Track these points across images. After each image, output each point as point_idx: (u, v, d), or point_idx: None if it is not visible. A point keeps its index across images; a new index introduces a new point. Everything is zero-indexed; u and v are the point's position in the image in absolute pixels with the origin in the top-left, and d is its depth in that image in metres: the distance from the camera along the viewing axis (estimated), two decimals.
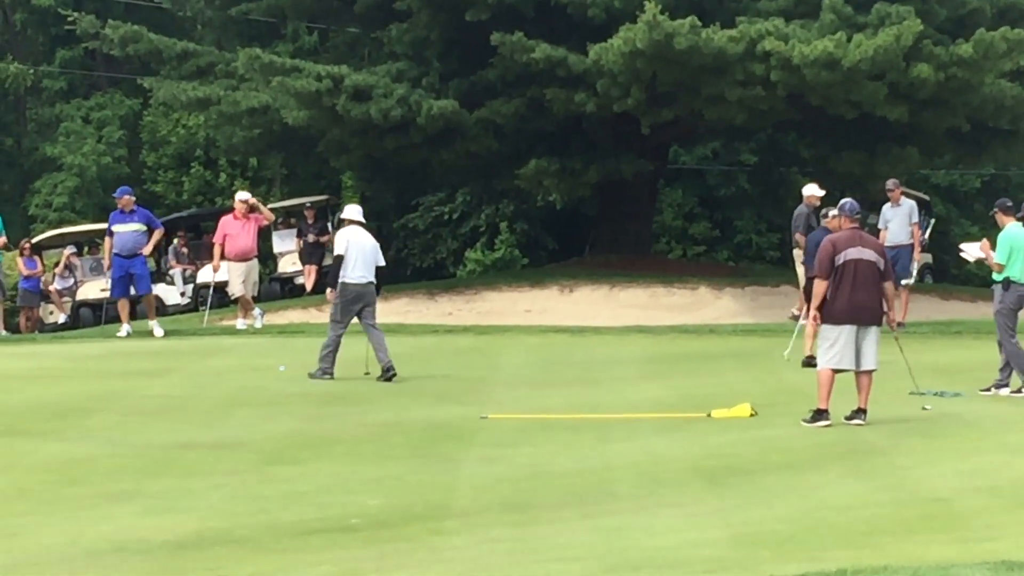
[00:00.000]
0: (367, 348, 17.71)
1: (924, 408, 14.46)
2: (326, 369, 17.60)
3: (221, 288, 26.06)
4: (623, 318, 26.57)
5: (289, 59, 31.11)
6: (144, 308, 24.50)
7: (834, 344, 13.66)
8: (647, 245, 35.60)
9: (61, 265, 33.97)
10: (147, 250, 23.33)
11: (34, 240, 33.22)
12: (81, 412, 15.34)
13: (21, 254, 31.21)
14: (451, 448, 13.12)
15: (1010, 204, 16.33)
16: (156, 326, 23.42)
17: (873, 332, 13.71)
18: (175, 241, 34.31)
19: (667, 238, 41.49)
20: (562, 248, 40.48)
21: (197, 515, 10.42)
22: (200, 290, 31.63)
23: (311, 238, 33.09)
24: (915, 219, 22.52)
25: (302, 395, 16.51)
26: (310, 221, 33.33)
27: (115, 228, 23.03)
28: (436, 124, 29.10)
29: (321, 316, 25.53)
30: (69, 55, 46.02)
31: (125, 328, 23.46)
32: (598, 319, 26.88)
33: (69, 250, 34.62)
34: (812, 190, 20.72)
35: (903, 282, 21.86)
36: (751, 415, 14.32)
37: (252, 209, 24.24)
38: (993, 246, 16.03)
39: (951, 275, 40.97)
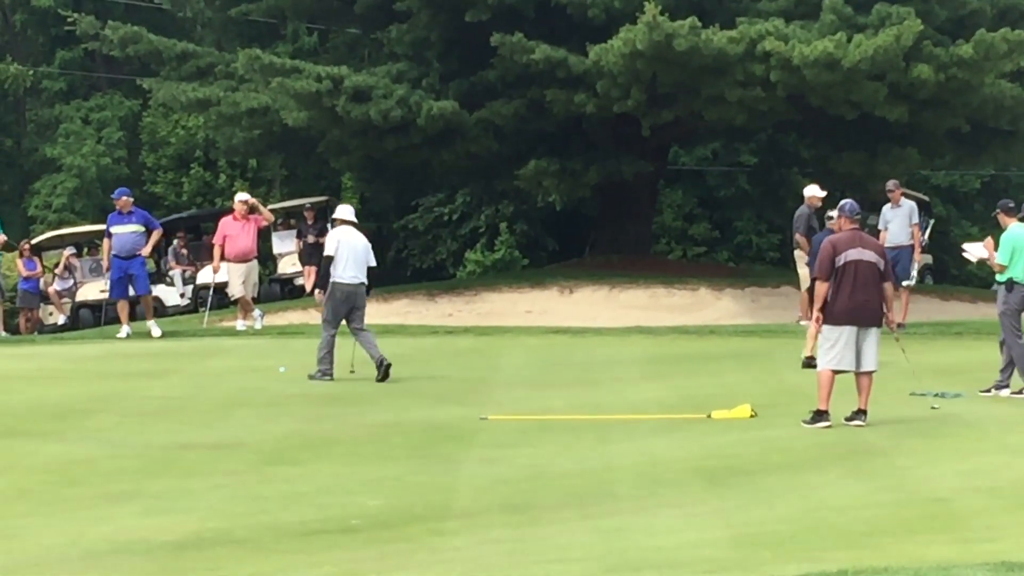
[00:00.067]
0: (353, 347, 17.72)
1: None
2: (325, 371, 17.60)
3: (221, 289, 26.06)
4: (623, 319, 26.57)
5: (289, 60, 31.11)
6: (143, 309, 24.51)
7: (834, 345, 13.66)
8: (647, 246, 35.62)
9: (61, 266, 33.99)
10: (146, 251, 23.33)
11: (34, 241, 33.22)
12: (81, 413, 15.34)
13: (21, 255, 31.21)
14: (451, 449, 13.11)
15: (1012, 205, 16.31)
16: (154, 326, 23.42)
17: (873, 333, 13.71)
18: (175, 242, 34.32)
19: (667, 239, 41.50)
20: (562, 249, 40.50)
21: (197, 516, 10.42)
22: (200, 291, 31.64)
23: (311, 239, 33.04)
24: (915, 220, 22.51)
25: (302, 396, 16.50)
26: (310, 222, 33.30)
27: (113, 230, 23.03)
28: (436, 125, 29.10)
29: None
30: (69, 56, 46.03)
31: (125, 329, 23.46)
32: (598, 320, 26.89)
33: (69, 251, 34.63)
34: (813, 191, 20.71)
35: (904, 283, 21.86)
36: (751, 416, 14.32)
37: (252, 210, 24.24)
38: (996, 245, 16.02)
39: (951, 276, 40.99)
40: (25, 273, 30.83)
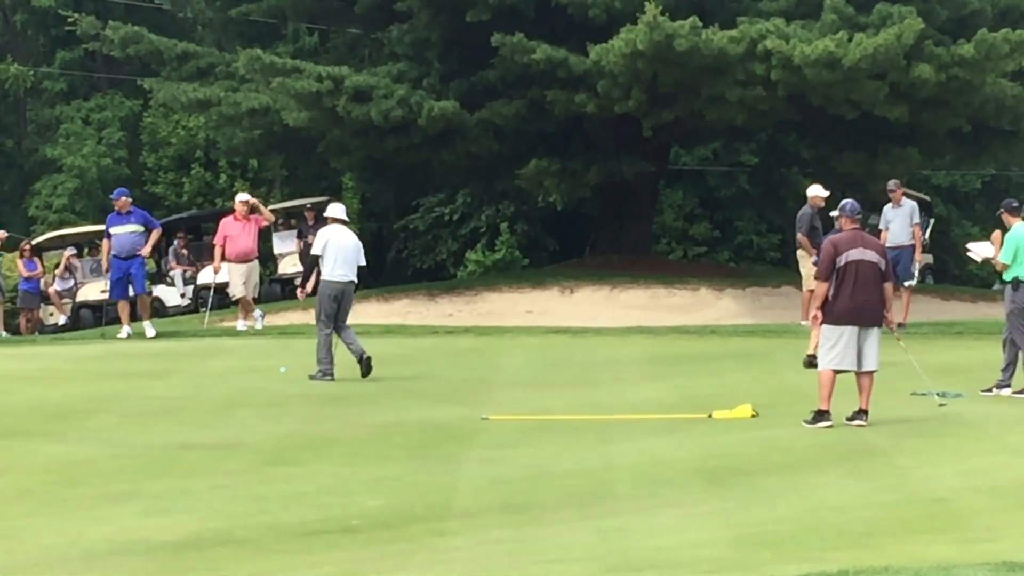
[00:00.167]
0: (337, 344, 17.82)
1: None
2: (326, 371, 17.61)
3: (222, 289, 26.06)
4: (624, 319, 26.56)
5: (290, 60, 31.10)
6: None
7: (835, 345, 13.65)
8: (648, 246, 35.60)
9: (61, 266, 33.99)
10: (146, 251, 23.34)
11: (34, 241, 33.20)
12: (81, 413, 15.34)
13: (21, 255, 31.19)
14: (451, 449, 13.11)
15: (1016, 204, 16.30)
16: (149, 326, 23.41)
17: (874, 333, 13.70)
18: (175, 242, 34.31)
19: (668, 239, 41.49)
20: (563, 249, 40.50)
21: (197, 516, 10.42)
22: (200, 291, 31.64)
23: (311, 239, 33.02)
24: (916, 220, 22.50)
25: (302, 396, 16.51)
26: (310, 222, 33.27)
27: (113, 230, 23.06)
28: (437, 125, 29.09)
29: None
30: (69, 56, 46.04)
31: (125, 330, 23.47)
32: (599, 320, 26.88)
33: (69, 251, 34.63)
34: (817, 191, 20.69)
35: (905, 283, 21.86)
36: (752, 416, 14.32)
37: (252, 210, 24.24)
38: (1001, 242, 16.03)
39: (952, 276, 41.01)
40: (26, 273, 30.82)
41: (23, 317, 31.05)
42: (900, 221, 22.24)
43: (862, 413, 13.66)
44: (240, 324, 24.39)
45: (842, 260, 13.65)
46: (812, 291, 16.64)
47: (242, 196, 24.85)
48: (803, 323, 20.60)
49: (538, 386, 17.48)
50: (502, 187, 36.06)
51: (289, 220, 35.60)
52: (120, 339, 23.23)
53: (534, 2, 29.60)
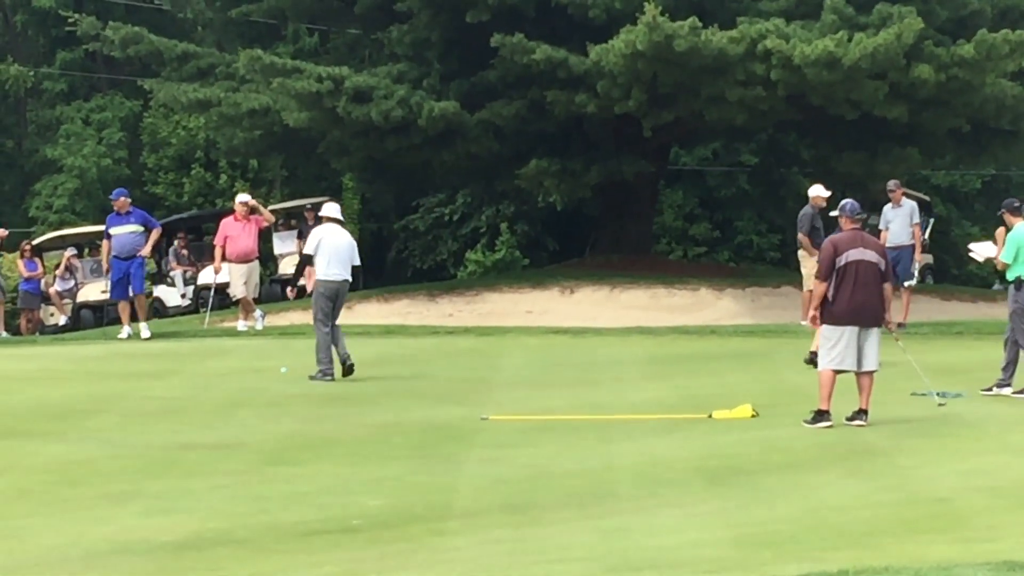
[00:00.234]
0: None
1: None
2: (325, 371, 17.61)
3: (222, 290, 26.06)
4: (624, 319, 26.56)
5: (290, 60, 31.12)
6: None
7: (835, 345, 13.65)
8: (648, 246, 35.62)
9: (62, 267, 33.99)
10: (146, 251, 23.34)
11: (35, 242, 33.21)
12: (82, 413, 15.34)
13: (22, 256, 31.20)
14: (452, 449, 13.11)
15: (1018, 204, 16.29)
16: (144, 327, 23.38)
17: (874, 333, 13.71)
18: (176, 243, 34.31)
19: (668, 239, 41.49)
20: (563, 249, 40.50)
21: (198, 516, 10.42)
22: (201, 292, 31.65)
23: None
24: (916, 220, 22.50)
25: (303, 396, 16.51)
26: (311, 222, 33.23)
27: (112, 231, 23.07)
28: (437, 125, 29.10)
29: None
30: (69, 57, 46.03)
31: (126, 330, 23.47)
32: (599, 320, 26.88)
33: (70, 252, 34.63)
34: (818, 191, 20.67)
35: (905, 283, 21.86)
36: (752, 416, 14.32)
37: (252, 211, 24.25)
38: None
39: (952, 276, 41.00)
40: (26, 274, 30.83)
41: (23, 317, 31.06)
42: (900, 221, 22.24)
43: (862, 413, 13.67)
44: (240, 324, 24.39)
45: (842, 260, 13.65)
46: (812, 291, 16.65)
47: (242, 197, 24.85)
48: (803, 323, 20.60)
49: (538, 386, 17.48)
50: (502, 187, 36.07)
51: (289, 220, 35.60)
52: (120, 339, 23.24)
53: (534, 2, 29.61)
